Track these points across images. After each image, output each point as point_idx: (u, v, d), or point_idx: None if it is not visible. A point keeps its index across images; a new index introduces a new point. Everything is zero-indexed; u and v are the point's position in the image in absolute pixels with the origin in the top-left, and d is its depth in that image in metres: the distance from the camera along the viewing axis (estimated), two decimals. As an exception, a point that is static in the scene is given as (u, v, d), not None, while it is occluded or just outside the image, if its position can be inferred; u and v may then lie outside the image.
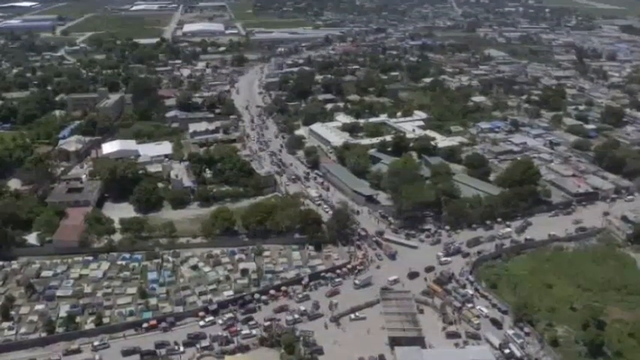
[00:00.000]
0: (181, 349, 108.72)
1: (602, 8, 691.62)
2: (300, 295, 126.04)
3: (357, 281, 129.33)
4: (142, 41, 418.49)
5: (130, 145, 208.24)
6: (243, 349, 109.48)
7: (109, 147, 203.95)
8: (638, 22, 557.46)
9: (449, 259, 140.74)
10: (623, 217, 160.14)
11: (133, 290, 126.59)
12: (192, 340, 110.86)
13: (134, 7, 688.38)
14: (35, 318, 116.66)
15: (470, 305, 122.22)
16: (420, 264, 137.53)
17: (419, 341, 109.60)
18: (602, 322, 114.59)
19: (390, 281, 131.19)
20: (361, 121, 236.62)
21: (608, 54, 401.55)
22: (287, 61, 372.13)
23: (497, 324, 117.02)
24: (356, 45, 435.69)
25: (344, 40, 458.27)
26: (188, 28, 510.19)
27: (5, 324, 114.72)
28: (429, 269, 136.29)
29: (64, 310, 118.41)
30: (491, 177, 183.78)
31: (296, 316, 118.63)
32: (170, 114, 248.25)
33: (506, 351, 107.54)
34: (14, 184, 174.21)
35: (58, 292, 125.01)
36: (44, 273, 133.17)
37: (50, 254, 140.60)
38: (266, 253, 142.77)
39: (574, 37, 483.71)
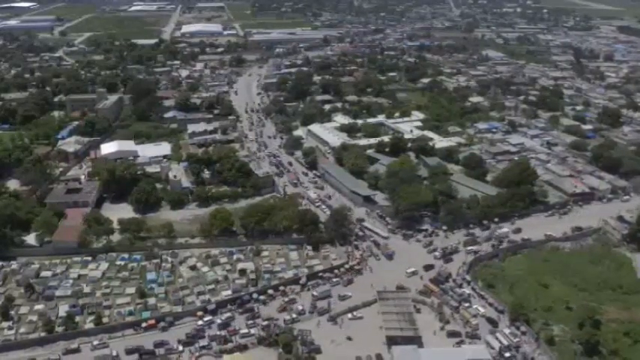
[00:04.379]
0: (180, 348, 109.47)
1: (599, 9, 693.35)
2: (287, 299, 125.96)
3: (314, 293, 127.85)
4: (141, 42, 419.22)
5: (129, 145, 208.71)
6: (242, 348, 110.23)
7: (108, 148, 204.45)
8: (636, 22, 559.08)
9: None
10: (619, 217, 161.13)
11: (131, 290, 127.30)
12: (191, 340, 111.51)
13: (132, 8, 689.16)
14: (35, 318, 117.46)
15: (467, 305, 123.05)
16: (416, 264, 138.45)
17: (416, 340, 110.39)
18: (597, 321, 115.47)
19: (409, 273, 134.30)
20: (359, 121, 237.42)
21: (606, 55, 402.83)
22: (285, 61, 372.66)
23: (493, 323, 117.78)
24: (354, 46, 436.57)
25: (342, 40, 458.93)
26: (186, 28, 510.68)
27: (5, 324, 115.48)
28: (448, 260, 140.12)
29: (63, 309, 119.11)
30: (489, 177, 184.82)
31: (294, 315, 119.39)
32: (169, 115, 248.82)
33: (507, 354, 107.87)
34: (13, 184, 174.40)
35: (58, 292, 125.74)
36: (43, 273, 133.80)
37: (49, 254, 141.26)
38: (264, 254, 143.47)
39: (571, 38, 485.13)
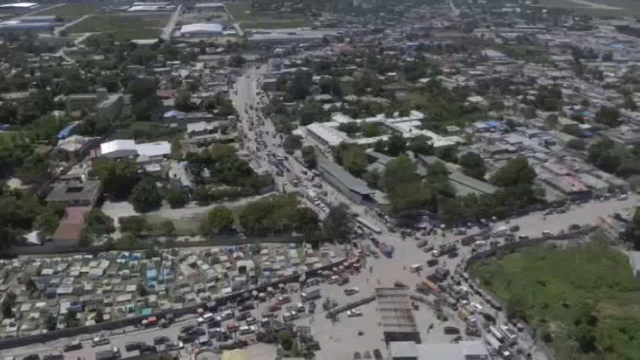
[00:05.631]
0: (180, 344, 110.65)
1: (598, 9, 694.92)
2: (281, 298, 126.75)
3: (303, 293, 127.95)
4: (141, 42, 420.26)
5: (129, 145, 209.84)
6: (241, 344, 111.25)
7: (108, 147, 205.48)
8: (635, 22, 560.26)
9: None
10: (616, 215, 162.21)
11: (132, 288, 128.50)
12: (190, 336, 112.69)
13: (132, 8, 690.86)
14: (36, 315, 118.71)
15: (464, 302, 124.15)
16: (416, 261, 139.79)
17: (414, 337, 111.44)
18: (594, 317, 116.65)
19: (413, 268, 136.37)
20: (358, 121, 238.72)
21: (605, 54, 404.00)
22: (285, 61, 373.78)
23: (490, 320, 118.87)
24: (353, 45, 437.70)
25: (341, 40, 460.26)
26: (186, 28, 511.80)
27: (7, 320, 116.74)
28: (453, 255, 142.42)
29: (64, 307, 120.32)
30: (487, 176, 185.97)
31: (293, 312, 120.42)
32: (168, 114, 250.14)
33: (506, 353, 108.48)
34: (14, 183, 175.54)
35: (59, 290, 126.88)
36: (45, 271, 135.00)
37: (50, 252, 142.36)
38: (264, 251, 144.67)
39: (571, 38, 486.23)
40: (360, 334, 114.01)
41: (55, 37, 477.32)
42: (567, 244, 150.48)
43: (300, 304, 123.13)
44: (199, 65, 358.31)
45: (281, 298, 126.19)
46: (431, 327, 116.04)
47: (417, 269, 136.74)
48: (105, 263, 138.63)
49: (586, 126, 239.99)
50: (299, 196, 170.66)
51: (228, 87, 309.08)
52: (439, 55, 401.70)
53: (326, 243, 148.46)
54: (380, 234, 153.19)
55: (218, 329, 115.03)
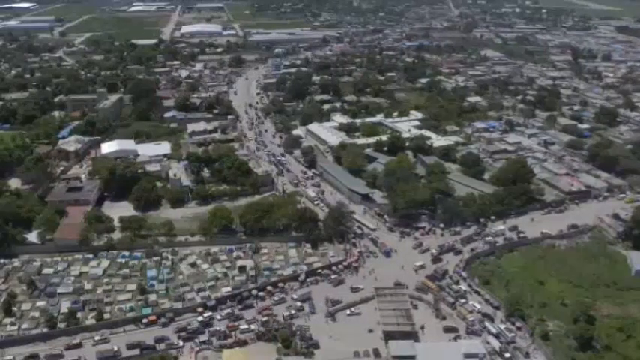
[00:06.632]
0: (180, 343, 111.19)
1: (598, 9, 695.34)
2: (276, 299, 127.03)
3: (294, 295, 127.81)
4: (141, 42, 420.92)
5: (129, 145, 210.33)
6: (241, 343, 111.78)
7: (108, 147, 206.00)
8: (634, 22, 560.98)
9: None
10: (614, 215, 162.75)
11: (132, 287, 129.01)
12: (191, 335, 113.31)
13: (132, 9, 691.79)
14: (37, 314, 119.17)
15: (463, 301, 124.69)
16: (415, 260, 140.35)
17: (412, 335, 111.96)
18: (592, 316, 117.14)
19: (417, 266, 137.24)
20: (358, 121, 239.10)
21: (604, 54, 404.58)
22: (284, 61, 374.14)
23: (487, 317, 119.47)
24: (353, 46, 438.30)
25: (341, 40, 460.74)
26: (186, 29, 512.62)
27: (8, 319, 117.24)
28: (457, 253, 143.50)
29: (65, 306, 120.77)
30: (486, 176, 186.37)
31: (292, 311, 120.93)
32: (168, 114, 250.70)
33: (507, 355, 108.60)
34: (15, 183, 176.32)
35: (59, 289, 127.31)
36: (45, 270, 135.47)
37: (51, 252, 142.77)
38: (263, 251, 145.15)
39: (570, 38, 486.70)
40: (370, 331, 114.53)
41: (54, 38, 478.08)
42: (566, 244, 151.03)
43: (298, 304, 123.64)
44: (199, 65, 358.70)
45: (276, 298, 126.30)
46: (422, 327, 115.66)
47: (420, 267, 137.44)
48: (105, 263, 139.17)
49: (585, 126, 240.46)
50: (298, 195, 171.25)
51: (227, 87, 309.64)
52: (438, 55, 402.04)
53: (325, 242, 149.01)
54: (375, 231, 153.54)
55: (213, 329, 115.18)
